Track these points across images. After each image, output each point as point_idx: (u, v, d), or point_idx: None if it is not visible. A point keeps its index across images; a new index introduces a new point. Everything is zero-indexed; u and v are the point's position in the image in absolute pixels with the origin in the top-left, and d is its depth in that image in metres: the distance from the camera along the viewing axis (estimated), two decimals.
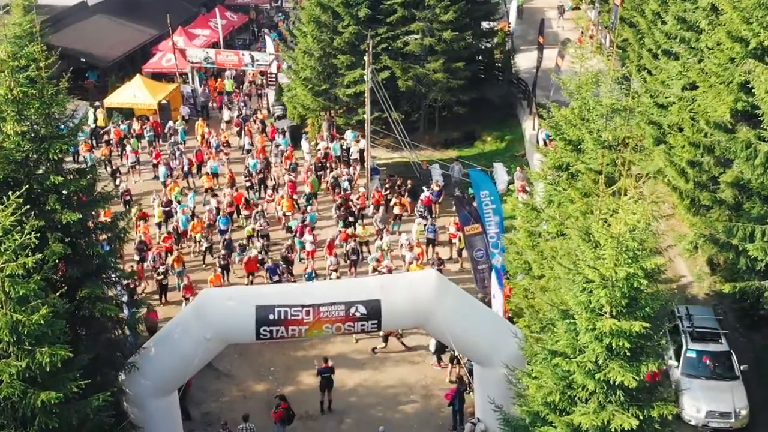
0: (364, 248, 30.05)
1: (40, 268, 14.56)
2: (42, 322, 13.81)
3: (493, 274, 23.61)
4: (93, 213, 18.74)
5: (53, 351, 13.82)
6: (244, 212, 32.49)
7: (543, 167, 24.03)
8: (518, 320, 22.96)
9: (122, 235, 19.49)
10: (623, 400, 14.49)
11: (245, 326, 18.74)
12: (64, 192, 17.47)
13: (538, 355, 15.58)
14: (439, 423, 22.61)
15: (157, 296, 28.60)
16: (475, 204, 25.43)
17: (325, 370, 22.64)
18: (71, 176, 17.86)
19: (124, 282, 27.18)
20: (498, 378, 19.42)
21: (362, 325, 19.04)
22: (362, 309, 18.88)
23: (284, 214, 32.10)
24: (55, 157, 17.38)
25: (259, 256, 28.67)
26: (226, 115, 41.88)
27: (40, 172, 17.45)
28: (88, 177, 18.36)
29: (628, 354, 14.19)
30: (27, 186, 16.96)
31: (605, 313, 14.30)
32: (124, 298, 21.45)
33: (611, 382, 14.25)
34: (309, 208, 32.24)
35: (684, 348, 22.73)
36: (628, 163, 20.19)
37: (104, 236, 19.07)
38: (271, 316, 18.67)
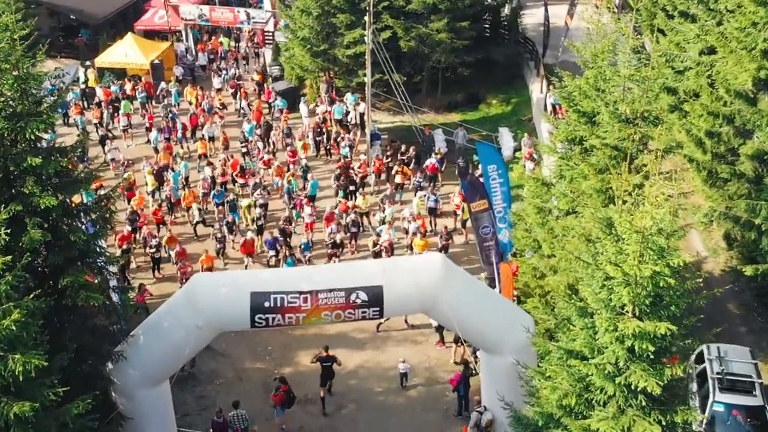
0: (365, 219, 28.88)
1: (12, 266, 13.41)
2: (14, 327, 12.69)
3: (493, 257, 22.44)
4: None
5: (27, 359, 12.70)
6: (240, 181, 31.18)
7: (553, 139, 22.80)
8: (526, 300, 21.93)
9: (108, 215, 18.29)
10: (644, 405, 13.44)
11: (239, 314, 17.65)
12: (43, 174, 16.21)
13: (553, 354, 14.50)
14: (443, 408, 21.68)
15: (147, 269, 27.60)
16: (481, 178, 24.22)
17: (326, 359, 21.52)
18: (51, 156, 16.61)
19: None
20: (506, 366, 18.45)
21: (363, 313, 17.94)
22: (363, 295, 17.76)
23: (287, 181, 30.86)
24: (33, 137, 16.13)
25: (257, 224, 27.54)
26: (216, 82, 40.07)
27: (16, 152, 16.20)
28: (70, 156, 17.10)
29: (651, 356, 13.12)
30: (2, 167, 15.83)
31: (627, 312, 13.21)
32: (114, 283, 20.36)
33: (632, 386, 13.20)
34: (309, 176, 31.00)
35: (710, 399, 19.07)
36: (655, 140, 19.17)
37: (88, 218, 17.85)
38: (266, 303, 17.57)
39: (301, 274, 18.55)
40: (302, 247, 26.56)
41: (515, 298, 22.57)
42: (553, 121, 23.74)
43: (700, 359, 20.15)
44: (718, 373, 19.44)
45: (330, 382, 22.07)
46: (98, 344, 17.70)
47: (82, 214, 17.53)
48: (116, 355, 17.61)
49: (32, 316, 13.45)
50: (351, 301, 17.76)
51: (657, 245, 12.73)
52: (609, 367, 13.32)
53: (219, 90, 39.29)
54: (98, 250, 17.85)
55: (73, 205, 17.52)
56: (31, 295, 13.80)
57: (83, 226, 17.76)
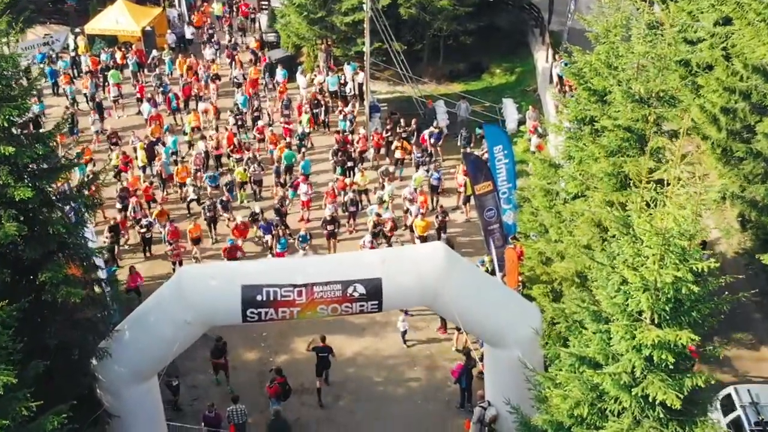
0: (363, 197, 27.81)
1: None
2: None
3: (498, 241, 21.45)
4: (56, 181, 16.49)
5: None
6: (235, 156, 30.01)
7: (560, 117, 21.70)
8: (532, 287, 20.96)
9: (91, 203, 17.21)
10: (662, 416, 12.52)
11: (230, 308, 16.70)
12: (18, 163, 15.12)
13: (564, 360, 13.55)
14: (445, 399, 20.80)
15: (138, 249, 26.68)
16: (485, 156, 23.15)
17: (322, 348, 20.61)
18: (26, 143, 15.52)
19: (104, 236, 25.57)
20: (511, 360, 17.54)
21: (361, 306, 16.98)
22: (361, 288, 16.79)
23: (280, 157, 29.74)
24: (6, 123, 15.01)
25: (253, 217, 26.48)
26: (207, 53, 38.48)
27: None
28: (47, 143, 15.99)
29: (671, 366, 12.17)
30: None
31: (644, 318, 12.24)
32: (102, 274, 19.39)
33: (650, 398, 12.27)
34: (302, 150, 29.89)
35: None
36: (670, 122, 18.11)
37: (69, 206, 16.80)
38: (258, 297, 16.61)
39: (295, 266, 17.55)
40: (300, 239, 25.42)
41: (520, 284, 21.61)
42: (560, 98, 22.53)
43: (728, 405, 17.74)
44: (757, 424, 16.78)
45: (326, 372, 21.20)
46: (82, 340, 16.77)
47: (62, 203, 16.46)
48: (100, 351, 16.68)
49: (2, 325, 12.45)
50: (348, 295, 16.81)
51: (679, 248, 11.73)
52: (625, 377, 12.38)
53: (212, 61, 37.83)
54: (81, 241, 16.83)
55: (53, 192, 16.42)
56: (6, 301, 12.79)
57: (68, 213, 16.72)
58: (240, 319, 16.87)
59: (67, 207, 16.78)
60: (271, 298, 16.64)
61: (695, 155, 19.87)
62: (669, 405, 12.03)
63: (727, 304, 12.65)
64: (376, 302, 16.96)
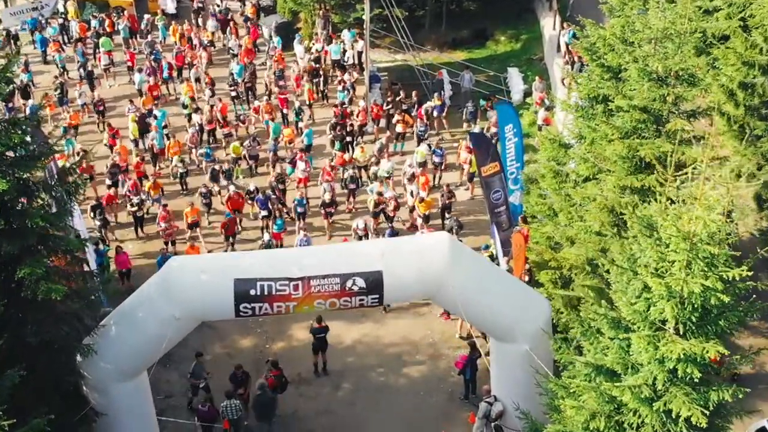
0: (363, 173, 26.74)
1: None
2: None
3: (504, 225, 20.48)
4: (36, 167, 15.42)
5: None
6: (224, 130, 28.82)
7: (569, 92, 20.60)
8: (539, 273, 20.01)
9: (74, 190, 16.14)
10: (684, 430, 11.63)
11: (222, 303, 15.75)
12: None
13: (579, 368, 12.62)
14: (448, 390, 19.94)
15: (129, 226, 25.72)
16: (491, 130, 22.08)
17: (318, 330, 19.83)
18: (1, 128, 14.44)
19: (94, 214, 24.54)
20: (519, 355, 16.72)
21: (361, 300, 16.05)
22: (360, 282, 15.84)
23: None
24: None
25: (249, 197, 25.46)
26: (210, 25, 36.37)
27: None
28: (24, 128, 14.90)
29: (696, 380, 11.24)
30: None
31: (668, 327, 11.29)
32: (93, 265, 18.41)
33: (672, 413, 11.37)
34: (302, 125, 28.76)
35: None
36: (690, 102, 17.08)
37: (50, 196, 15.73)
38: (252, 291, 15.66)
39: (291, 258, 16.56)
40: (295, 203, 24.52)
41: (527, 269, 20.66)
42: (571, 74, 21.36)
43: None
44: None
45: (324, 357, 20.37)
46: (66, 336, 15.83)
47: (42, 191, 15.41)
48: (85, 348, 15.76)
49: None
50: (347, 288, 15.86)
51: (707, 254, 10.73)
52: (646, 390, 11.47)
53: (214, 33, 36.15)
54: (66, 229, 15.84)
55: (32, 181, 15.36)
56: None
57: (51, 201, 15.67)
58: (233, 314, 15.94)
59: (48, 196, 15.72)
60: (266, 293, 15.70)
61: (713, 137, 18.88)
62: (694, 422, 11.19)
63: (757, 312, 11.72)
64: (377, 296, 16.02)
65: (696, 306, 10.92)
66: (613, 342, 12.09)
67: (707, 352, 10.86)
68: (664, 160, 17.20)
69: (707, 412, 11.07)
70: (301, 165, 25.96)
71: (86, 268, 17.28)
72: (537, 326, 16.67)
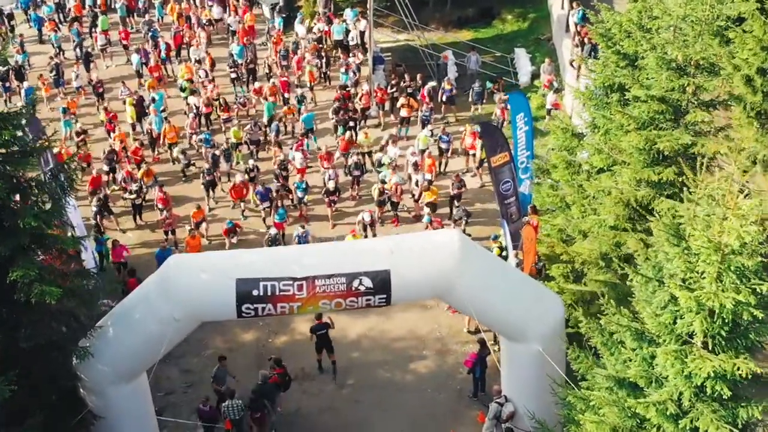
0: (367, 159, 26.02)
1: None
2: None
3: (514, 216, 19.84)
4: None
5: None
6: (223, 115, 27.94)
7: (578, 75, 19.84)
8: (551, 267, 19.39)
9: (69, 184, 15.44)
10: None
11: (223, 304, 15.12)
12: None
13: (600, 383, 12.02)
14: (457, 388, 19.36)
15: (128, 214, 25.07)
16: (497, 113, 21.30)
17: (319, 327, 19.18)
18: None
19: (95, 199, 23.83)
20: (531, 355, 16.14)
21: (368, 300, 15.42)
22: (367, 281, 15.20)
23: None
24: None
25: (249, 175, 24.74)
26: (215, 12, 34.99)
27: None
28: (15, 123, 14.19)
29: (725, 397, 10.64)
30: None
31: (695, 341, 10.68)
32: (92, 264, 17.72)
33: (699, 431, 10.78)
34: (302, 109, 28.00)
35: None
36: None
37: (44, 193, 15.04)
38: (255, 292, 15.03)
39: (294, 257, 15.88)
40: (296, 186, 23.84)
41: (538, 263, 20.04)
42: (584, 60, 20.59)
43: None
44: None
45: (332, 356, 19.70)
46: (62, 339, 15.22)
47: (35, 189, 14.72)
48: (81, 350, 15.16)
49: None
50: (353, 288, 15.21)
51: (739, 265, 10.09)
52: (671, 407, 10.88)
53: (219, 20, 35.00)
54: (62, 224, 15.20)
55: (24, 179, 14.67)
56: None
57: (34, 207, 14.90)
58: (234, 315, 15.33)
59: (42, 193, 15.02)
60: (269, 293, 15.06)
61: (734, 128, 18.17)
62: None
63: None
64: (384, 296, 15.39)
65: (726, 320, 10.32)
66: (636, 354, 11.51)
67: (739, 370, 10.26)
68: (688, 157, 16.59)
69: (736, 431, 10.52)
70: (298, 156, 25.17)
71: (84, 262, 16.65)
72: (550, 326, 16.10)
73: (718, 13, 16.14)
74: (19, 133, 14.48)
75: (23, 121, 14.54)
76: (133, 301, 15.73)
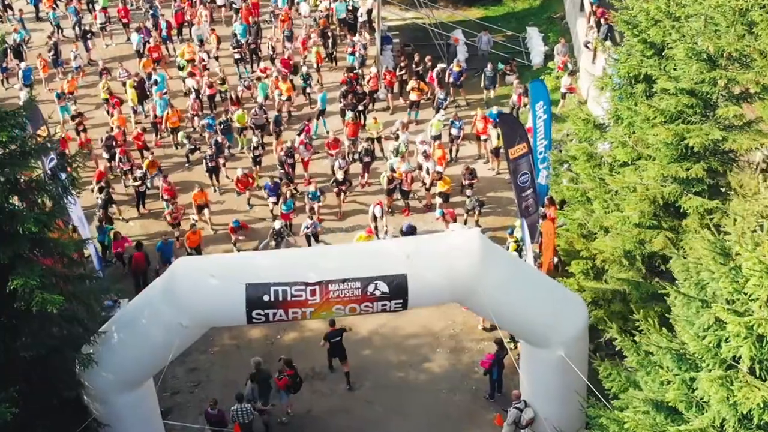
0: (376, 145, 25.23)
1: None
2: None
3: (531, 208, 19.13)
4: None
5: None
6: (232, 108, 26.84)
7: (595, 64, 18.97)
8: (570, 263, 18.73)
9: (69, 183, 14.67)
10: None
11: (232, 309, 14.45)
12: None
13: (637, 406, 11.34)
14: (472, 388, 18.74)
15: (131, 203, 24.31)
16: (513, 99, 20.45)
17: (333, 334, 18.40)
18: None
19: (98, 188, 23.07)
20: (553, 361, 15.49)
21: (383, 305, 14.74)
22: (383, 286, 14.51)
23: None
24: None
25: (254, 153, 23.98)
26: None
27: None
28: (13, 121, 13.40)
29: None
30: None
31: (741, 366, 10.00)
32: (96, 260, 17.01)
33: None
34: (308, 90, 27.14)
35: None
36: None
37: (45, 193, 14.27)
38: (266, 297, 14.35)
39: (307, 260, 15.16)
40: (310, 196, 22.99)
41: (556, 258, 19.39)
42: (598, 40, 19.72)
43: None
44: None
45: (345, 365, 18.83)
46: (63, 347, 14.56)
47: (34, 192, 13.97)
48: (84, 358, 14.50)
49: None
50: (368, 294, 14.53)
51: None
52: None
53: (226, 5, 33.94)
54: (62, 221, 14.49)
55: (24, 181, 13.90)
56: None
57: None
58: (244, 321, 14.67)
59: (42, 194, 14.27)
60: (280, 298, 14.39)
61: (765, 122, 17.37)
62: None
63: None
64: (401, 301, 14.70)
65: None
66: (675, 376, 10.83)
67: None
68: (717, 153, 15.85)
69: None
70: (301, 148, 24.34)
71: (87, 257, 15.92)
72: (573, 331, 15.47)
73: (753, 3, 15.33)
74: (18, 132, 13.73)
75: (23, 119, 13.75)
76: (138, 306, 15.04)
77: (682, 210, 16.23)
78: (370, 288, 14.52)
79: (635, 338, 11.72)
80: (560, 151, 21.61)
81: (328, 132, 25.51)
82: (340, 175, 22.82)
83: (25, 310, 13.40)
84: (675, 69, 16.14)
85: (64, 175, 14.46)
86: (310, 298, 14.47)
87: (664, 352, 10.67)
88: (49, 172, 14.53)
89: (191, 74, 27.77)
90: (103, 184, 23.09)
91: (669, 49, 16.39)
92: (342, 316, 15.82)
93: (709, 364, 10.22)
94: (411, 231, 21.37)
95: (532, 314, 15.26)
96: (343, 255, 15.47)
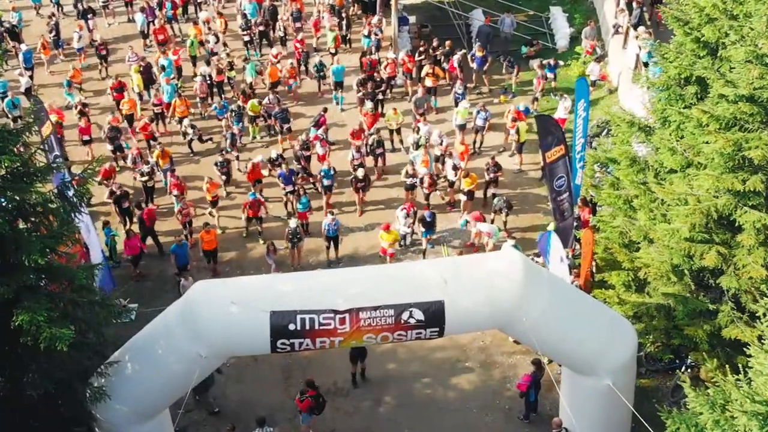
0: (395, 136, 23.92)
1: None
2: None
3: (554, 240, 17.84)
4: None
5: None
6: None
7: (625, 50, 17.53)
8: (610, 273, 17.59)
9: (77, 200, 13.46)
10: None
11: (255, 339, 13.41)
12: None
13: None
14: (505, 408, 17.67)
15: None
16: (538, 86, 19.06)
17: None
18: None
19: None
20: (599, 390, 14.45)
21: (418, 334, 13.66)
22: (418, 314, 13.41)
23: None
24: None
25: (272, 155, 22.75)
26: None
27: None
28: (16, 139, 12.18)
29: None
30: None
31: None
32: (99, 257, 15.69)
33: None
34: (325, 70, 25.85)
35: None
36: None
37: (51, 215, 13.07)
38: (291, 326, 13.27)
39: (336, 285, 13.96)
40: (322, 174, 21.85)
41: (593, 269, 18.26)
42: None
43: None
44: None
45: (363, 363, 18.09)
46: (74, 377, 13.46)
47: (37, 216, 12.78)
48: (95, 391, 13.41)
49: None
50: (402, 321, 13.45)
51: None
52: None
53: None
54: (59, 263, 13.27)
55: (28, 202, 12.68)
56: None
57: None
58: (268, 350, 13.65)
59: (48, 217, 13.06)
60: (307, 327, 13.31)
61: None
62: None
63: None
64: (437, 329, 13.63)
65: None
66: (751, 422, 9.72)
67: None
68: None
69: None
70: (317, 144, 23.06)
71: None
72: (622, 359, 14.42)
73: None
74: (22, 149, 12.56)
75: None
76: (152, 333, 13.91)
77: (736, 224, 15.05)
78: (405, 316, 13.44)
79: (708, 389, 10.59)
80: (594, 148, 20.40)
81: (342, 110, 24.18)
82: (360, 173, 21.55)
83: (32, 346, 12.33)
84: (731, 71, 14.87)
85: (71, 192, 13.33)
86: (339, 327, 13.40)
87: (751, 417, 9.54)
88: (56, 190, 13.26)
89: (207, 62, 26.34)
90: (113, 188, 21.69)
91: (724, 50, 15.11)
92: (373, 345, 14.71)
93: None
94: (432, 218, 20.41)
95: (578, 342, 14.17)
96: (374, 279, 14.27)
